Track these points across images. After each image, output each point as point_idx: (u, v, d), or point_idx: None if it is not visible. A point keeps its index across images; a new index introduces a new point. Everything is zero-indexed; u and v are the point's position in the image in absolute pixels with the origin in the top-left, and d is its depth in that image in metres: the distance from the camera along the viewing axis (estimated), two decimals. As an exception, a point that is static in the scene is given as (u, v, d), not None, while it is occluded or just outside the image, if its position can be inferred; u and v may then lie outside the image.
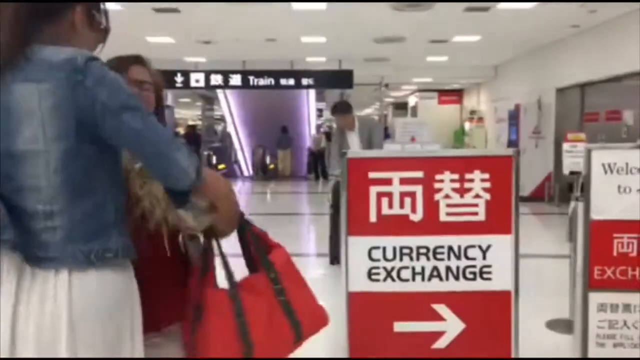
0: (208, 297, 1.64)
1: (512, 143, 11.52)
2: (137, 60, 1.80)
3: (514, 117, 11.68)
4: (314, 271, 5.58)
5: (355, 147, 5.80)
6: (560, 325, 3.92)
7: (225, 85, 13.37)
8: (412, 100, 21.17)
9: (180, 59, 13.06)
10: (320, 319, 1.79)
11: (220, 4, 8.02)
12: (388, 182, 2.16)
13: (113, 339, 1.36)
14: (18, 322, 1.31)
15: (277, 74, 13.01)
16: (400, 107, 24.00)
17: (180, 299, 1.67)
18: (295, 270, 1.77)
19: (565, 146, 3.82)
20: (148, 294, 1.52)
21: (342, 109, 6.00)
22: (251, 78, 13.05)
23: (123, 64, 1.74)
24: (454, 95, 20.08)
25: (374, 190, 2.15)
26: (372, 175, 2.16)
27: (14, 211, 1.32)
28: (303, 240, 8.26)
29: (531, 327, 3.33)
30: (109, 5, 1.56)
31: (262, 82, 13.09)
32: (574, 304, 3.12)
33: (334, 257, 5.53)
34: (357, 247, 2.18)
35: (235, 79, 13.14)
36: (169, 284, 1.71)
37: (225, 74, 13.04)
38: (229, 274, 1.67)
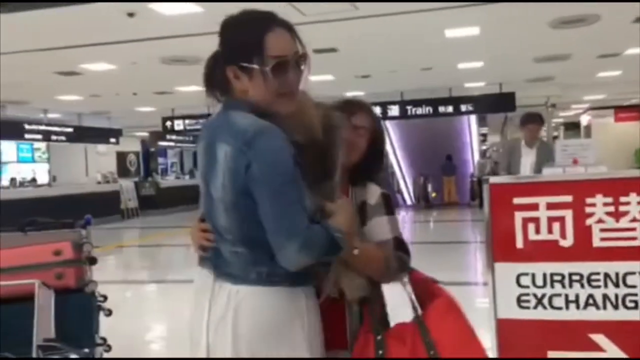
0: (358, 339, 1.77)
1: None
2: (363, 107, 2.00)
3: None
4: (479, 300, 5.44)
5: (528, 166, 5.59)
6: None
7: (384, 116, 13.64)
8: (584, 120, 19.78)
9: (340, 94, 13.58)
10: None
11: (373, 40, 8.32)
12: (534, 207, 2.12)
13: (270, 349, 1.57)
14: (210, 327, 1.62)
15: (435, 102, 13.02)
16: (571, 127, 22.52)
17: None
18: (455, 321, 1.75)
19: None
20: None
21: (534, 119, 5.80)
22: (409, 108, 13.20)
23: (349, 107, 1.95)
24: (633, 111, 18.37)
25: (519, 215, 2.13)
26: (517, 200, 2.14)
27: (218, 239, 1.67)
28: (464, 268, 8.09)
29: None
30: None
31: (420, 111, 13.17)
32: None
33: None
34: (504, 273, 2.16)
35: (394, 110, 13.38)
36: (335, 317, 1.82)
37: (384, 106, 13.33)
38: (376, 322, 1.77)
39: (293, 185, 1.53)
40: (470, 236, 11.72)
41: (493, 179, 2.19)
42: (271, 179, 1.51)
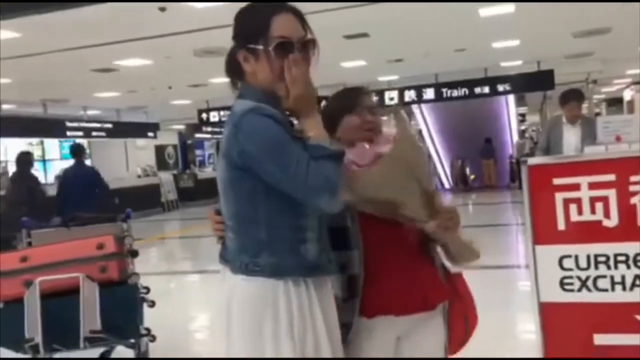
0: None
1: None
2: (364, 91, 2.00)
3: None
4: (522, 283, 5.37)
5: (572, 145, 5.46)
6: None
7: (419, 100, 13.49)
8: (627, 95, 19.18)
9: (374, 79, 13.51)
10: None
11: (405, 23, 8.20)
12: (575, 187, 2.07)
13: (254, 336, 1.61)
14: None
15: (470, 83, 12.78)
16: (614, 103, 21.87)
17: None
18: None
19: None
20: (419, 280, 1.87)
21: (574, 96, 5.64)
22: (444, 90, 13.00)
23: (355, 94, 1.95)
24: (679, 84, 17.73)
25: (559, 196, 2.08)
26: (557, 181, 2.09)
27: (225, 227, 1.73)
28: (505, 251, 7.97)
29: None
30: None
31: (456, 93, 12.96)
32: None
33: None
34: (546, 256, 2.12)
35: (429, 93, 13.20)
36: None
37: (418, 89, 13.16)
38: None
39: (289, 149, 1.54)
40: (510, 218, 11.54)
41: (531, 160, 2.15)
42: (266, 152, 1.54)
